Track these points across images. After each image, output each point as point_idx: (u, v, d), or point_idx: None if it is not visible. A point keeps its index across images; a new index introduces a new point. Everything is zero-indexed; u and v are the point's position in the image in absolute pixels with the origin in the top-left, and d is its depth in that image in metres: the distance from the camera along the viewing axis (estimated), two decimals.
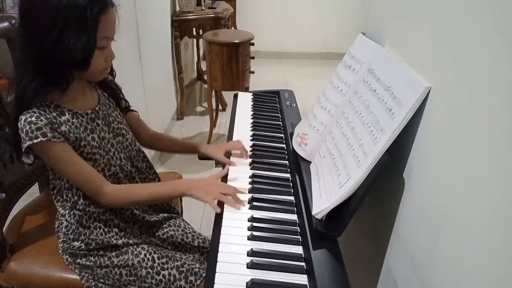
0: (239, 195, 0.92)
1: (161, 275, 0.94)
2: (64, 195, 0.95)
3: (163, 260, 0.96)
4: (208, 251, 1.04)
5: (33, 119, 0.81)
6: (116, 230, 0.97)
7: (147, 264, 0.95)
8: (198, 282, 0.94)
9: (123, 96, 1.08)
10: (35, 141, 0.81)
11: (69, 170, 0.87)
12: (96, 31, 0.80)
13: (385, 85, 0.79)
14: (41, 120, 0.82)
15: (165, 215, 1.09)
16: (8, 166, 1.02)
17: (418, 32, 0.78)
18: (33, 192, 1.21)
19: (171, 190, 0.96)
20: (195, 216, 1.82)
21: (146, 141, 1.16)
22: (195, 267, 0.96)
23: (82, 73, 0.85)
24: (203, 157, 1.17)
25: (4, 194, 1.04)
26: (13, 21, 1.01)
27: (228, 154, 1.12)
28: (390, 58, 0.84)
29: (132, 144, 1.04)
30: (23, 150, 0.83)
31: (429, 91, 0.68)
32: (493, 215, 0.50)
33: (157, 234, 1.04)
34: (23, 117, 0.82)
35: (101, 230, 0.96)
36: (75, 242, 0.95)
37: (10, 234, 1.08)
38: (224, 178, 1.02)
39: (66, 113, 0.87)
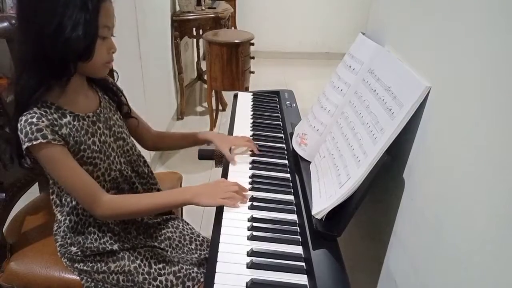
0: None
1: (158, 281, 0.93)
2: (62, 200, 0.94)
3: (160, 266, 0.95)
4: (206, 253, 1.03)
5: (34, 120, 0.79)
6: (110, 234, 0.96)
7: (143, 270, 0.94)
8: (196, 287, 0.94)
9: (126, 100, 1.06)
10: (34, 142, 0.79)
11: (66, 175, 0.84)
12: (97, 18, 0.79)
13: (385, 85, 0.79)
14: (42, 121, 0.80)
15: (164, 217, 1.09)
16: (8, 166, 1.02)
17: (418, 32, 0.78)
18: (33, 192, 1.21)
19: (175, 199, 0.92)
20: (195, 216, 1.81)
21: (151, 144, 1.14)
22: (193, 272, 0.95)
23: (86, 64, 0.82)
24: (203, 157, 1.17)
25: (4, 194, 1.04)
26: (13, 21, 1.01)
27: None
28: (390, 58, 0.84)
29: (132, 148, 1.03)
30: (23, 152, 0.81)
31: (429, 91, 0.68)
32: (493, 215, 0.50)
33: (154, 235, 1.03)
34: (23, 118, 0.80)
35: (95, 236, 0.95)
36: (72, 247, 0.95)
37: (10, 234, 1.08)
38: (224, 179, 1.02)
39: (68, 115, 0.86)
